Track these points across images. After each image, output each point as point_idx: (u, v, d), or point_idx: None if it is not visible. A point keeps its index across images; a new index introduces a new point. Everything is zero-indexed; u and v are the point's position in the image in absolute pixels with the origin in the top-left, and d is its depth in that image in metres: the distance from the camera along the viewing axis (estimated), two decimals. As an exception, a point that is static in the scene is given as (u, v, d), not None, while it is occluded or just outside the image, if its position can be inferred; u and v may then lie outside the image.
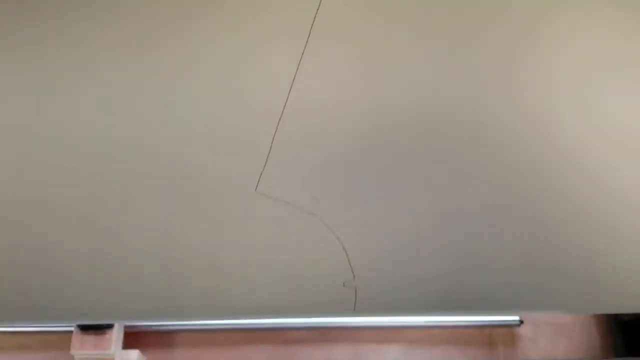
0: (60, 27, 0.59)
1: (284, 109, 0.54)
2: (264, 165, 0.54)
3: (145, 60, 0.60)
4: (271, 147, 0.54)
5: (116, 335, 1.19)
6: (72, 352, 1.17)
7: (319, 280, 0.56)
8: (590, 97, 0.60)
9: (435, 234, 0.56)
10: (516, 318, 1.45)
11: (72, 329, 1.20)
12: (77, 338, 1.18)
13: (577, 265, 0.56)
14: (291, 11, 0.58)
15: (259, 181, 0.54)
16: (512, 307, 0.61)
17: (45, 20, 0.59)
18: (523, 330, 1.47)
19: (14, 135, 0.58)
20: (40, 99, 0.59)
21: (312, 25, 0.55)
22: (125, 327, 1.28)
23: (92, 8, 0.59)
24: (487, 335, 1.46)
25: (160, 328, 1.36)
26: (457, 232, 0.56)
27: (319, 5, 0.55)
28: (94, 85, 0.59)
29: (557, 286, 0.57)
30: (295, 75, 0.54)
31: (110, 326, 1.17)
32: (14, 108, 0.58)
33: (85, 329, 1.17)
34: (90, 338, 1.17)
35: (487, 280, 0.56)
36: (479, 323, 1.43)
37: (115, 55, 0.59)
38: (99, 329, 1.17)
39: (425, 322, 1.40)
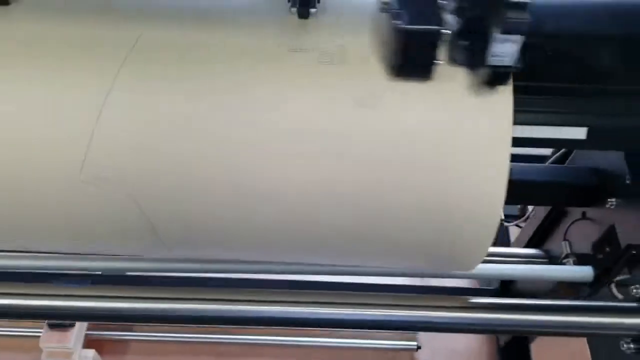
0: None
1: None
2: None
3: None
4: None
5: (77, 333, 1.48)
6: (41, 345, 1.46)
7: None
8: None
9: None
10: (414, 343, 1.73)
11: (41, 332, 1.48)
12: (46, 334, 1.46)
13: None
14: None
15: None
16: None
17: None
18: (421, 355, 1.75)
19: None
20: None
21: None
22: (87, 334, 1.56)
23: None
24: (390, 358, 1.74)
25: (118, 337, 1.65)
26: None
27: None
28: None
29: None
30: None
31: (72, 325, 1.46)
32: None
33: (53, 327, 1.46)
34: (56, 334, 1.46)
35: None
36: (380, 346, 1.71)
37: None
38: (64, 327, 1.46)
39: (327, 342, 1.65)
